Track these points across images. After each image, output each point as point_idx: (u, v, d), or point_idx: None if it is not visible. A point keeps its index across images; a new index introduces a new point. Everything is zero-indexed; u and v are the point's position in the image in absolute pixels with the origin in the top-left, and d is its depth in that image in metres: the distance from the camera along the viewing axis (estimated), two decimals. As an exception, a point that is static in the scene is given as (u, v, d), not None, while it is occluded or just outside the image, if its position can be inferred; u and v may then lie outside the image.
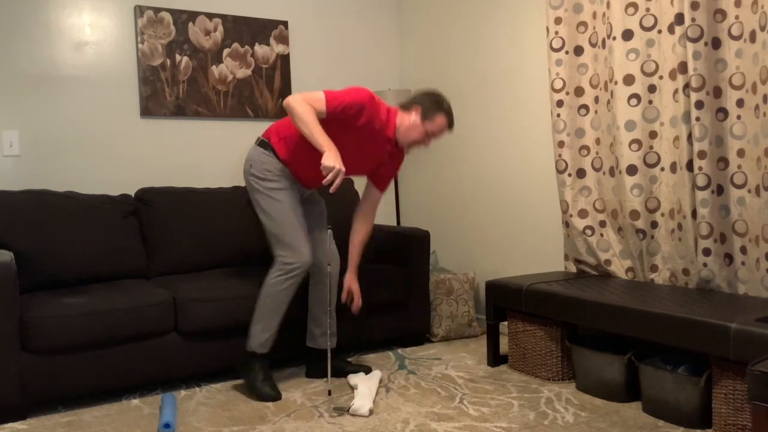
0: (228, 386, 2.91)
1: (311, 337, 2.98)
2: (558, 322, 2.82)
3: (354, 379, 2.83)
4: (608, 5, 2.84)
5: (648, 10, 2.75)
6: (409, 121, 2.76)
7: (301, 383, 2.92)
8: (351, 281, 2.97)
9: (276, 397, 2.70)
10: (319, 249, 2.91)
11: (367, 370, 2.97)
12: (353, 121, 2.64)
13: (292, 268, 2.70)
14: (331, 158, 2.45)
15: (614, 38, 2.81)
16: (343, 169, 2.46)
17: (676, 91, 2.69)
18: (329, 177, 2.44)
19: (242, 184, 3.82)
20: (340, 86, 4.18)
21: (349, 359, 3.21)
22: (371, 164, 2.85)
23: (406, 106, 2.79)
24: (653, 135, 2.80)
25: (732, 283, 2.58)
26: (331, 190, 2.49)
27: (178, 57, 3.63)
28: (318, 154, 2.58)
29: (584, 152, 3.08)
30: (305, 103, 2.53)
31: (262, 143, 2.78)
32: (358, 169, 2.84)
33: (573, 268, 3.21)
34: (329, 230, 2.65)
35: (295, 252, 2.70)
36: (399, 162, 2.95)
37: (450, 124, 2.80)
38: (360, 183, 3.86)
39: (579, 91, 3.07)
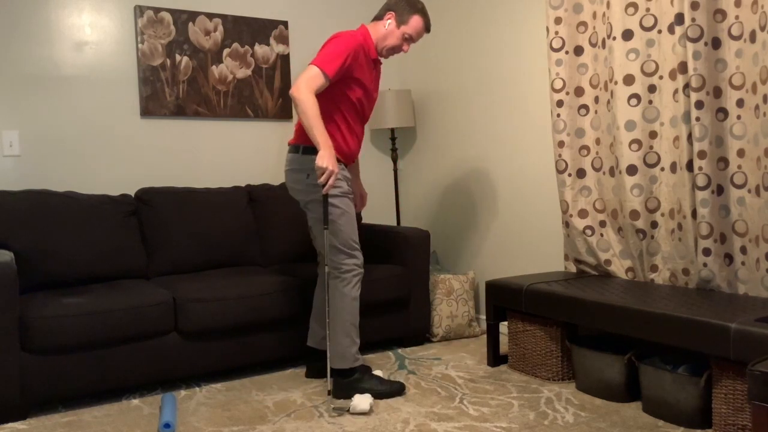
0: (228, 386, 2.91)
1: (313, 337, 2.98)
2: (558, 322, 2.82)
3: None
4: (608, 5, 2.84)
5: (648, 10, 2.75)
6: (384, 28, 2.74)
7: (301, 383, 2.92)
8: (359, 186, 3.04)
9: (402, 387, 2.72)
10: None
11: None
12: (351, 69, 2.63)
13: (355, 274, 2.72)
14: (325, 158, 2.46)
15: (614, 38, 2.81)
16: (336, 170, 2.47)
17: (676, 91, 2.69)
18: (323, 178, 2.46)
19: (242, 184, 3.82)
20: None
21: None
22: (375, 94, 2.85)
23: (379, 16, 2.78)
24: (653, 135, 2.80)
25: (732, 283, 2.58)
26: (324, 191, 2.51)
27: (178, 57, 3.63)
28: (353, 116, 2.69)
29: (584, 152, 3.08)
30: (310, 93, 2.52)
31: (307, 150, 2.69)
32: (372, 105, 2.84)
33: (573, 268, 3.21)
34: (325, 230, 2.62)
35: (356, 254, 2.72)
36: (379, 73, 2.90)
37: (427, 26, 2.79)
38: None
39: (579, 91, 3.07)
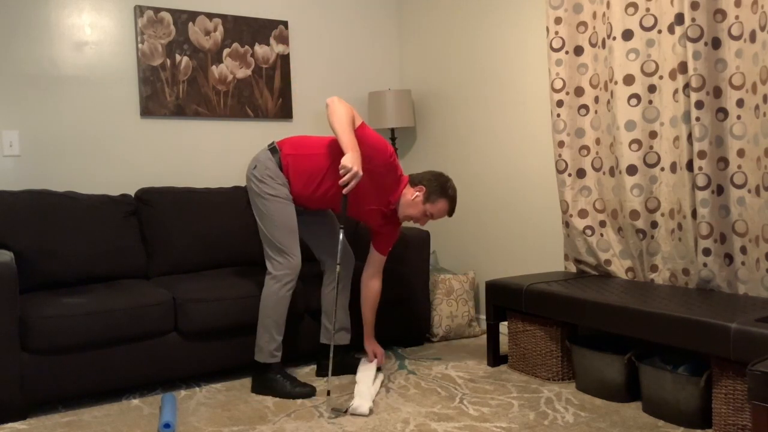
0: (228, 386, 2.91)
1: (326, 333, 3.01)
2: (558, 322, 2.82)
3: (358, 375, 2.83)
4: (608, 5, 2.84)
5: (648, 10, 2.75)
6: (411, 196, 2.82)
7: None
8: (373, 345, 3.05)
9: (311, 392, 2.73)
10: (331, 249, 2.97)
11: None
12: (371, 160, 2.66)
13: (284, 275, 2.74)
14: (351, 159, 2.49)
15: (614, 38, 2.81)
16: (361, 172, 2.50)
17: (676, 91, 2.69)
18: (346, 177, 2.48)
19: (242, 184, 3.82)
20: (340, 86, 4.19)
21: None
22: (366, 207, 2.85)
23: (414, 183, 2.85)
24: (653, 135, 2.80)
25: (732, 283, 2.58)
26: (345, 191, 2.54)
27: (178, 57, 3.63)
28: (319, 193, 2.75)
29: (584, 152, 3.08)
30: (348, 106, 2.60)
31: (273, 149, 2.81)
32: (356, 206, 2.85)
33: (573, 268, 3.21)
34: (341, 229, 2.66)
35: (287, 257, 2.74)
36: (397, 228, 2.99)
37: (451, 211, 2.87)
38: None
39: (579, 91, 3.07)
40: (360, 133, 2.63)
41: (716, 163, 2.55)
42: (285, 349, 3.09)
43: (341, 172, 2.49)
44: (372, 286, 3.00)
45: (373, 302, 3.02)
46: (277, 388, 2.74)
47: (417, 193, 2.81)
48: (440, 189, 2.81)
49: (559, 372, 2.84)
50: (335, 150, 2.72)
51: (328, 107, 2.60)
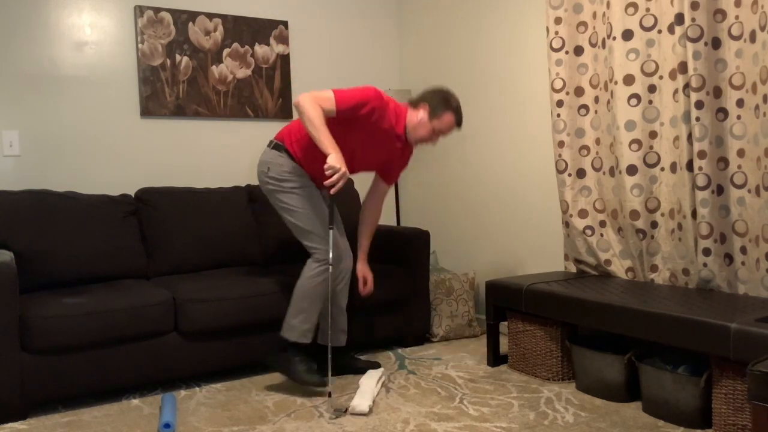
0: (228, 386, 2.91)
1: (324, 334, 3.00)
2: (558, 322, 2.82)
3: (362, 380, 2.82)
4: (608, 5, 2.84)
5: (648, 10, 2.75)
6: (416, 118, 2.79)
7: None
8: (365, 270, 3.05)
9: (321, 383, 2.72)
10: (335, 246, 2.95)
11: (376, 365, 3.02)
12: (363, 119, 2.68)
13: (326, 259, 2.75)
14: (336, 159, 2.49)
15: (614, 38, 2.81)
16: (347, 171, 2.51)
17: (676, 91, 2.69)
18: (333, 178, 2.49)
19: (242, 184, 3.82)
20: (340, 86, 4.17)
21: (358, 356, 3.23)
22: (381, 160, 2.90)
23: (414, 104, 2.83)
24: (653, 135, 2.80)
25: (732, 283, 2.58)
26: (333, 191, 2.55)
27: (178, 57, 3.63)
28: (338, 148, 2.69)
29: (584, 152, 3.08)
30: (315, 104, 2.57)
31: (277, 146, 2.82)
32: (368, 165, 2.90)
33: (573, 268, 3.21)
34: (330, 229, 2.66)
35: (326, 243, 2.75)
36: (408, 157, 2.99)
37: (458, 122, 2.83)
38: (360, 183, 3.87)
39: (579, 91, 3.07)
40: (341, 111, 2.60)
41: (716, 163, 2.55)
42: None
43: (328, 173, 2.49)
44: (372, 213, 3.03)
45: (371, 229, 3.05)
46: (291, 369, 2.73)
47: (421, 112, 2.79)
48: (443, 102, 2.78)
49: (559, 372, 2.84)
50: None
51: (301, 113, 2.57)
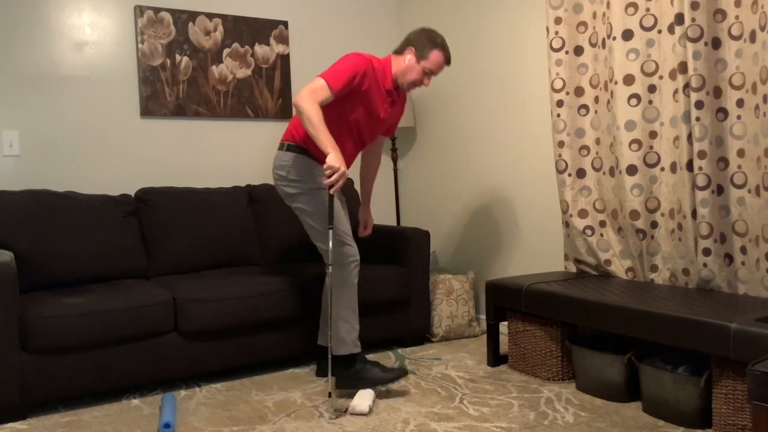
0: (228, 386, 2.91)
1: (323, 336, 3.00)
2: (558, 322, 2.82)
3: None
4: (608, 5, 2.84)
5: (648, 10, 2.75)
6: (404, 64, 2.78)
7: (301, 383, 2.92)
8: (367, 215, 3.19)
9: (403, 371, 2.73)
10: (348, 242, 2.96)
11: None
12: (358, 88, 2.68)
13: (351, 262, 2.74)
14: (335, 159, 2.49)
15: (614, 38, 2.81)
16: (347, 171, 2.51)
17: (676, 91, 2.69)
18: (333, 178, 2.48)
19: (242, 184, 3.82)
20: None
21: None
22: (385, 125, 2.91)
23: (399, 50, 2.82)
24: (653, 135, 2.80)
25: (732, 283, 2.58)
26: (332, 191, 2.54)
27: (178, 57, 3.63)
28: (343, 131, 2.74)
29: (584, 152, 3.08)
30: (313, 101, 2.55)
31: (290, 147, 2.78)
32: (375, 133, 2.89)
33: (573, 268, 3.21)
34: (330, 230, 2.64)
35: (347, 245, 2.74)
36: (403, 105, 2.98)
37: (447, 59, 2.82)
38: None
39: (579, 91, 3.07)
40: (338, 92, 2.60)
41: (716, 163, 2.55)
42: (284, 349, 3.10)
43: (327, 172, 2.48)
44: (372, 163, 3.13)
45: (372, 176, 3.16)
46: (371, 377, 2.70)
47: (408, 55, 2.78)
48: (429, 41, 2.77)
49: (559, 372, 2.84)
50: (323, 109, 2.68)
51: (300, 113, 2.55)
